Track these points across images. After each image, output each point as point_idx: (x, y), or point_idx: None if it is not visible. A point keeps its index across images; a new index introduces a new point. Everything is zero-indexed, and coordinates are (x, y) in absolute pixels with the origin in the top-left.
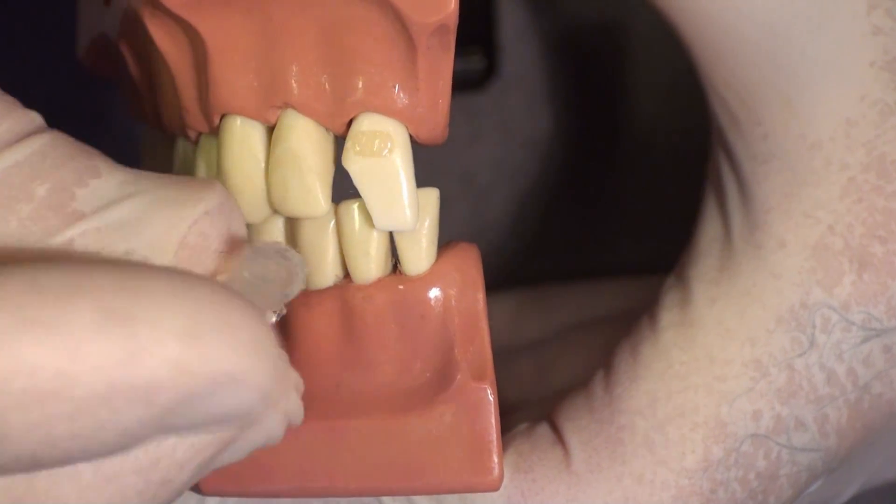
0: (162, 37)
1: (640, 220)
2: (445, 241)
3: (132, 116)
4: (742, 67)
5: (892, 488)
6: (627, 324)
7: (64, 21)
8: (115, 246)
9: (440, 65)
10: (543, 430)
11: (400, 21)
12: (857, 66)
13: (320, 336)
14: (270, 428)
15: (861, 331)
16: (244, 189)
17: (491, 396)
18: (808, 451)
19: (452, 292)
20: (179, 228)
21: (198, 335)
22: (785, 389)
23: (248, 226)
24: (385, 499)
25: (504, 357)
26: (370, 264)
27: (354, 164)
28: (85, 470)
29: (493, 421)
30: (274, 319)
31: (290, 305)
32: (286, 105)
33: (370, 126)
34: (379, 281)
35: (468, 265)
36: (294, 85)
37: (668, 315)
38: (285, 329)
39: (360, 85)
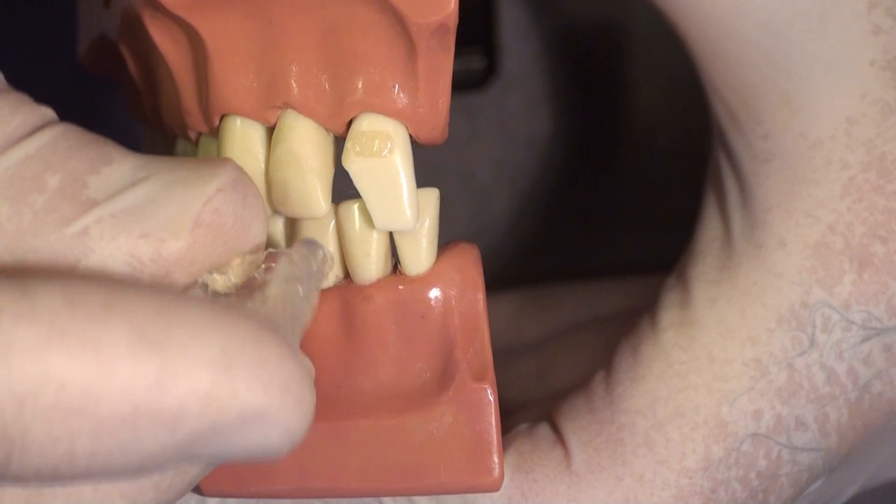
0: (162, 38)
1: (640, 220)
2: (446, 241)
3: (132, 117)
4: (742, 66)
5: (893, 488)
6: (628, 323)
7: (64, 21)
8: (131, 230)
9: (440, 65)
10: (544, 430)
11: (400, 21)
12: (857, 65)
13: (321, 336)
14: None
15: (861, 330)
16: None
17: (491, 396)
18: (809, 451)
19: (453, 292)
20: (193, 207)
21: (230, 368)
22: (785, 389)
23: None
24: (386, 499)
25: (505, 357)
26: (370, 265)
27: (354, 165)
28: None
29: (493, 421)
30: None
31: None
32: (286, 105)
33: (370, 126)
34: (379, 281)
35: (468, 265)
36: (294, 85)
37: (669, 315)
38: None
39: (360, 85)
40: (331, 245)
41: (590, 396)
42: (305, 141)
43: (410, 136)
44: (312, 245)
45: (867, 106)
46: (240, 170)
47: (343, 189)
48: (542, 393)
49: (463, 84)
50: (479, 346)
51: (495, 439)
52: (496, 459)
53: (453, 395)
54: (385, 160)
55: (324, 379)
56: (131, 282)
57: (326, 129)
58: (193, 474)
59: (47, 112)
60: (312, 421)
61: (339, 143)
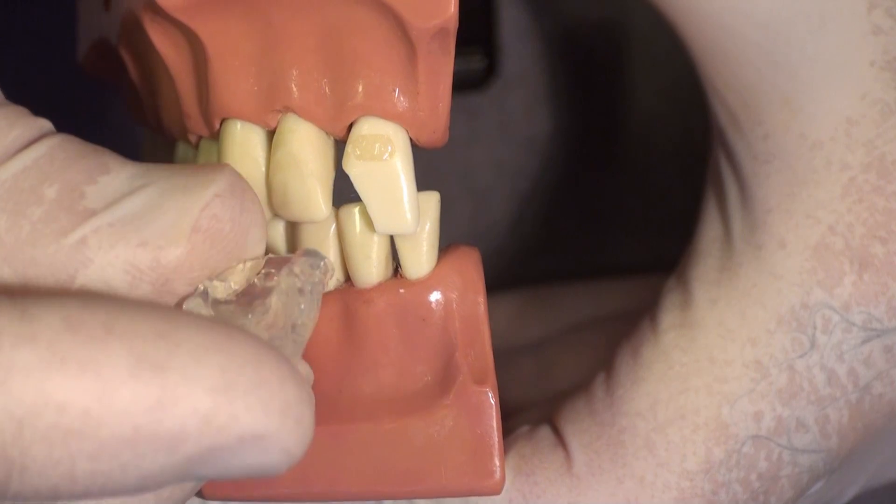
0: (162, 41)
1: (641, 220)
2: (445, 240)
3: (133, 120)
4: (742, 67)
5: (893, 488)
6: (628, 324)
7: (64, 22)
8: (129, 239)
9: (440, 68)
10: (545, 432)
11: (400, 25)
12: (857, 66)
13: (322, 340)
14: None
15: (862, 331)
16: None
17: (492, 399)
18: (810, 452)
19: (453, 296)
20: (191, 213)
21: (230, 390)
22: (786, 390)
23: None
24: (387, 502)
25: (505, 358)
26: (371, 268)
27: (355, 168)
28: None
29: (494, 424)
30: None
31: None
32: (286, 109)
33: (370, 130)
34: (380, 285)
35: (469, 268)
36: (294, 89)
37: (669, 317)
38: None
39: (361, 89)
40: (331, 249)
41: (590, 399)
42: (306, 144)
43: (411, 140)
44: (314, 256)
45: (867, 107)
46: (237, 175)
47: (344, 192)
48: (542, 393)
49: (463, 84)
50: (479, 350)
51: (496, 442)
52: (497, 462)
53: (454, 398)
54: (385, 164)
55: (325, 382)
56: (131, 299)
57: (327, 133)
58: (193, 484)
59: (44, 124)
60: (311, 440)
61: (340, 146)
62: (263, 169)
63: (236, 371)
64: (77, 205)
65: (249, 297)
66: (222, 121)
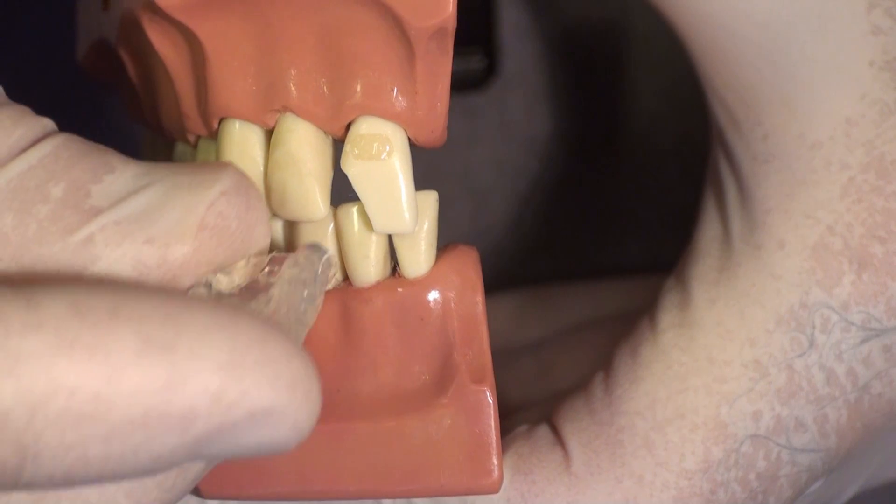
0: (161, 41)
1: (640, 220)
2: (445, 240)
3: (131, 120)
4: (741, 67)
5: (893, 488)
6: (628, 324)
7: (64, 22)
8: (136, 236)
9: (439, 68)
10: (543, 431)
11: (398, 25)
12: (856, 66)
13: (320, 339)
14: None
15: (860, 331)
16: None
17: (490, 399)
18: (808, 452)
19: (451, 295)
20: (197, 211)
21: (238, 368)
22: (785, 390)
23: None
24: (385, 501)
25: (505, 358)
26: (369, 267)
27: (353, 168)
28: None
29: (492, 423)
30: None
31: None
32: (285, 109)
33: (369, 129)
34: (378, 284)
35: (467, 268)
36: (293, 89)
37: (668, 316)
38: None
39: (359, 88)
40: (330, 248)
41: (589, 398)
42: (304, 144)
43: (409, 139)
44: (317, 248)
45: (866, 107)
46: (241, 173)
47: (342, 192)
48: (542, 393)
49: (463, 84)
50: (478, 349)
51: (494, 441)
52: (495, 461)
53: (452, 397)
54: (384, 163)
55: (323, 381)
56: (136, 285)
57: (325, 133)
58: (196, 472)
59: (48, 123)
60: (318, 415)
61: (338, 146)
62: (262, 168)
63: (243, 349)
64: (83, 203)
65: (252, 291)
66: (221, 120)
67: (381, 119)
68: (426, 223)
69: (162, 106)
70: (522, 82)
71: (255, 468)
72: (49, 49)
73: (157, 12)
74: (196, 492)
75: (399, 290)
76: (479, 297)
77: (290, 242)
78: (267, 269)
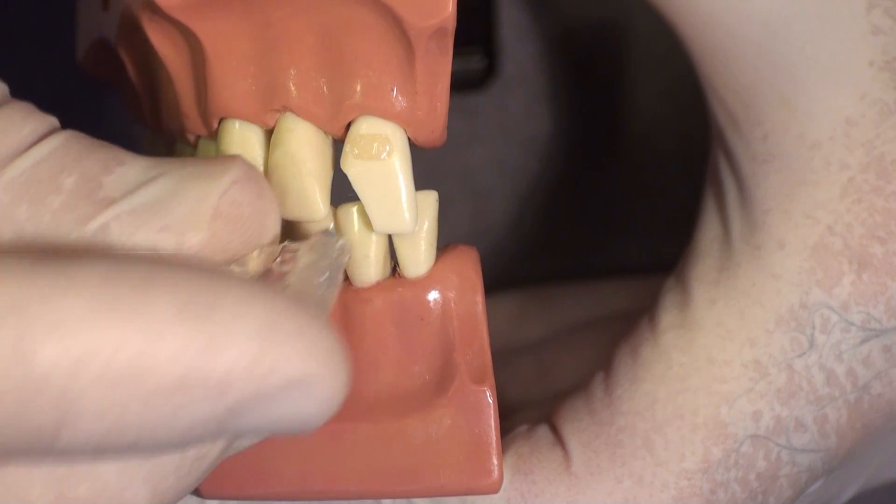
0: (160, 41)
1: (641, 220)
2: (445, 240)
3: (131, 120)
4: (741, 67)
5: (893, 488)
6: (628, 324)
7: (64, 22)
8: (151, 224)
9: (438, 68)
10: (543, 431)
11: (398, 24)
12: (856, 66)
13: None
14: None
15: (860, 331)
16: None
17: (490, 399)
18: (808, 452)
19: (451, 295)
20: (211, 199)
21: (275, 335)
22: (784, 390)
23: None
24: (385, 501)
25: (505, 358)
26: (369, 267)
27: (353, 168)
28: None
29: (492, 423)
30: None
31: None
32: (285, 109)
33: (368, 129)
34: (378, 284)
35: (467, 268)
36: (292, 88)
37: (668, 317)
38: None
39: (359, 88)
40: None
41: (589, 398)
42: (304, 144)
43: (409, 139)
44: (331, 234)
45: (866, 107)
46: (250, 164)
47: (342, 192)
48: (542, 393)
49: (463, 84)
50: (478, 349)
51: (494, 441)
52: (495, 461)
53: (452, 397)
54: (383, 163)
55: None
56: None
57: (325, 132)
58: (210, 461)
59: (53, 120)
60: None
61: (338, 146)
62: (262, 168)
63: (279, 318)
64: (96, 193)
65: (267, 280)
66: (220, 120)
67: (381, 119)
68: (426, 223)
69: (162, 106)
70: (522, 82)
71: (255, 468)
72: (49, 49)
73: (157, 12)
74: (196, 492)
75: (399, 290)
76: (480, 297)
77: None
78: (280, 259)
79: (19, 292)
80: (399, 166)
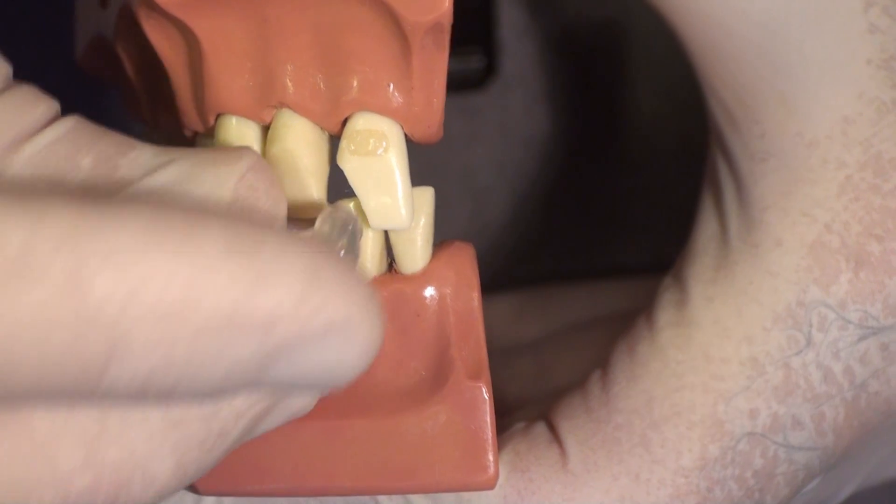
0: (157, 37)
1: (641, 220)
2: (444, 239)
3: (130, 117)
4: (739, 66)
5: (890, 487)
6: (627, 324)
7: (63, 21)
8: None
9: (435, 64)
10: (540, 429)
11: (394, 20)
12: (853, 64)
13: None
14: (307, 398)
15: (858, 329)
16: None
17: (486, 395)
18: (805, 450)
19: (448, 291)
20: (229, 183)
21: (318, 278)
22: (782, 388)
23: None
24: (381, 498)
25: (504, 357)
26: (365, 263)
27: (349, 163)
28: (154, 415)
29: (488, 419)
30: None
31: None
32: (281, 105)
33: (365, 125)
34: (374, 280)
35: (463, 264)
36: (289, 84)
37: (665, 315)
38: None
39: (355, 84)
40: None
41: (586, 396)
42: (300, 140)
43: (406, 135)
44: (342, 208)
45: (864, 105)
46: (259, 154)
47: (338, 188)
48: (541, 392)
49: (463, 84)
50: (474, 345)
51: (490, 438)
52: (491, 458)
53: (448, 393)
54: (380, 159)
55: None
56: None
57: (321, 128)
58: (233, 438)
59: (57, 104)
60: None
61: (334, 141)
62: None
63: (321, 263)
64: (114, 174)
65: None
66: (217, 116)
67: (378, 115)
68: (422, 219)
69: (159, 102)
70: (522, 82)
71: (251, 465)
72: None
73: (154, 8)
74: (192, 489)
75: (395, 286)
76: (476, 294)
77: None
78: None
79: (73, 223)
80: (395, 162)
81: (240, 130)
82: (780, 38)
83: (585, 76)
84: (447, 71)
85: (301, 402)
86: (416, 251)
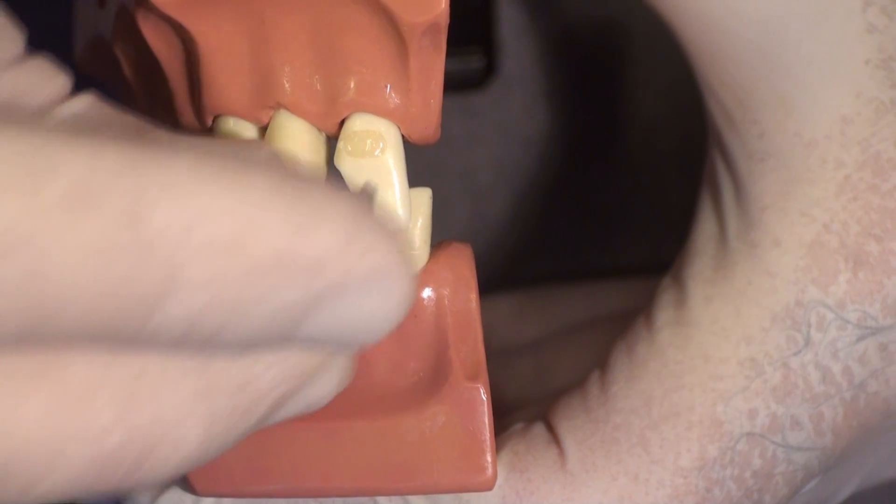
0: (154, 38)
1: (641, 220)
2: (443, 241)
3: None
4: (737, 66)
5: (889, 487)
6: (626, 323)
7: (62, 21)
8: None
9: (432, 65)
10: (539, 429)
11: (391, 21)
12: (852, 64)
13: None
14: (329, 384)
15: (856, 329)
16: None
17: (484, 396)
18: (804, 450)
19: (445, 292)
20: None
21: (361, 226)
22: (780, 388)
23: None
24: (380, 499)
25: (504, 357)
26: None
27: (346, 164)
28: (184, 385)
29: (486, 420)
30: None
31: None
32: (278, 106)
33: (362, 126)
34: None
35: (461, 265)
36: (286, 85)
37: (664, 315)
38: None
39: (352, 85)
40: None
41: (585, 396)
42: (298, 141)
43: (403, 136)
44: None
45: (862, 105)
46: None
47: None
48: (540, 393)
49: (462, 84)
50: (472, 346)
51: (488, 438)
52: (489, 458)
53: (446, 394)
54: (377, 160)
55: None
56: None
57: (319, 129)
58: (257, 417)
59: (71, 80)
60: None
61: (332, 143)
62: None
63: (361, 213)
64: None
65: None
66: (215, 117)
67: (375, 116)
68: (420, 220)
69: (157, 103)
70: (522, 82)
71: (250, 465)
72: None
73: (151, 9)
74: (191, 490)
75: None
76: (473, 295)
77: None
78: None
79: (131, 156)
80: (393, 163)
81: (237, 131)
82: (778, 38)
83: (585, 76)
84: (446, 71)
85: (324, 388)
86: (413, 252)
